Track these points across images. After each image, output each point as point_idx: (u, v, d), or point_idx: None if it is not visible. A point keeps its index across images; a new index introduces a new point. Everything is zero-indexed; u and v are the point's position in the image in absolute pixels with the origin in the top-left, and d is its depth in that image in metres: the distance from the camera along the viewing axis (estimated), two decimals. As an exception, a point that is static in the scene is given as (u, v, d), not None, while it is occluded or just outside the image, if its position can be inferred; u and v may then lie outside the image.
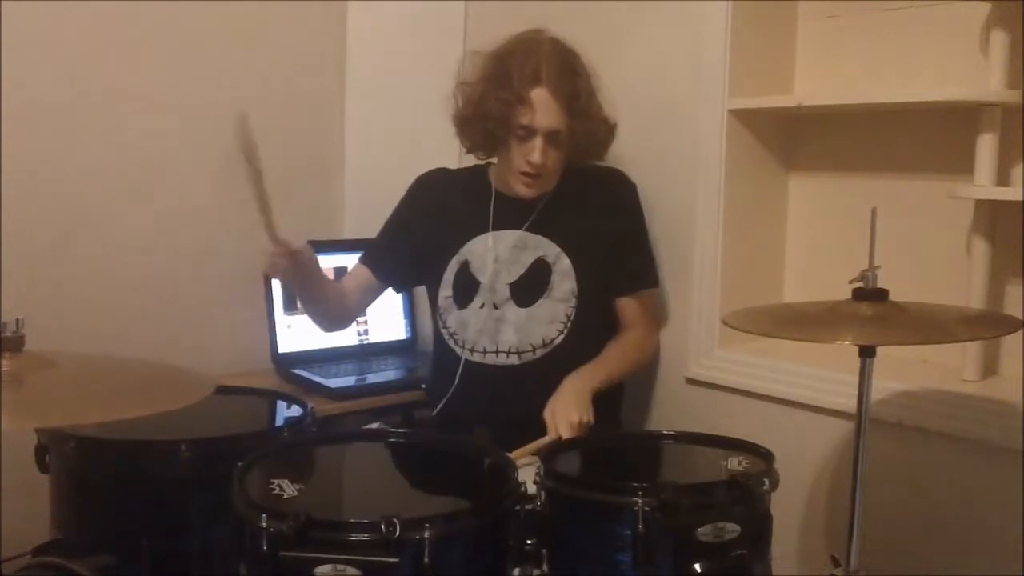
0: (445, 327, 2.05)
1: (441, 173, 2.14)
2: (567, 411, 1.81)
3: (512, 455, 1.70)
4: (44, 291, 2.13)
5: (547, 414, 1.82)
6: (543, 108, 1.86)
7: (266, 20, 2.47)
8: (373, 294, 2.15)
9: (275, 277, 2.00)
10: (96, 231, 2.25)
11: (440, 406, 2.05)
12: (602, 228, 2.01)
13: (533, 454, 1.74)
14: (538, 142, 1.88)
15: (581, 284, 1.98)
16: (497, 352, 1.99)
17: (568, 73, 1.88)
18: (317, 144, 2.62)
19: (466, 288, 2.02)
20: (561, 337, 1.97)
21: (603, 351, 2.00)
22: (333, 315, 2.13)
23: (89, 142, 2.23)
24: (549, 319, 1.98)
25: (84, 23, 2.19)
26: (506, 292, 1.99)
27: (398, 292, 2.38)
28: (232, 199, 2.43)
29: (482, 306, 2.00)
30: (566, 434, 1.77)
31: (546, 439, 1.79)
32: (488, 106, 1.89)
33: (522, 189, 1.96)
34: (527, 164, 1.90)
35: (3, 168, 2.08)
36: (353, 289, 2.12)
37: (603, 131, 1.96)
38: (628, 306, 2.05)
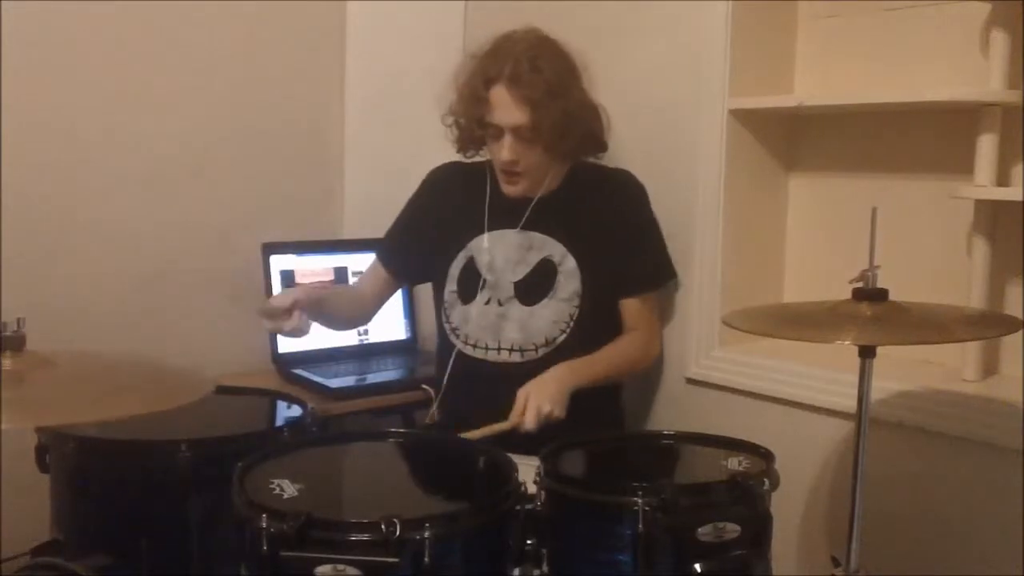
0: (447, 321, 2.05)
1: (453, 167, 2.13)
2: (541, 400, 1.81)
3: (469, 435, 1.73)
4: (44, 291, 2.13)
5: (521, 393, 1.83)
6: (501, 106, 1.88)
7: (266, 21, 2.47)
8: (389, 289, 2.18)
9: (295, 335, 1.90)
10: (96, 231, 2.25)
11: (440, 402, 2.05)
12: (606, 228, 2.00)
13: (490, 436, 1.75)
14: (506, 140, 1.89)
15: (586, 285, 1.98)
16: (499, 349, 1.99)
17: (528, 69, 1.87)
18: (317, 144, 2.62)
19: (472, 284, 2.02)
20: (564, 337, 1.97)
21: (603, 348, 1.99)
22: (353, 319, 2.19)
23: (89, 142, 2.23)
24: (553, 318, 1.97)
25: (85, 23, 2.19)
26: (511, 290, 1.99)
27: (411, 286, 2.42)
28: (232, 198, 2.46)
29: (487, 302, 2.00)
30: (530, 423, 1.78)
31: (506, 424, 1.79)
32: (460, 107, 1.94)
33: (505, 187, 1.97)
34: (501, 162, 1.92)
35: (3, 168, 2.08)
36: (370, 288, 2.15)
37: (568, 124, 1.89)
38: (630, 307, 2.04)
